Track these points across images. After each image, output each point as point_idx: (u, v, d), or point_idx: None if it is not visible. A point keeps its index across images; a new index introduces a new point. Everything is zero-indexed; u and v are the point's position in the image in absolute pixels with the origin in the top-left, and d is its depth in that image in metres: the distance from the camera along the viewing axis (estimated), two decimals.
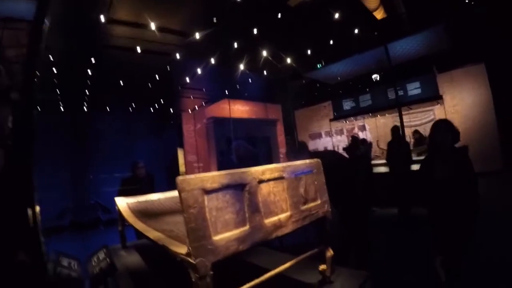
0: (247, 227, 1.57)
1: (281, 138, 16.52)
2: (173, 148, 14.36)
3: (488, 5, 8.91)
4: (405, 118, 11.46)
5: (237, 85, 12.01)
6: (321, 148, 15.44)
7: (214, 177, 1.48)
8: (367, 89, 12.79)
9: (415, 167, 8.56)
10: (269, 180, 1.80)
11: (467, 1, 8.60)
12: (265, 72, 10.90)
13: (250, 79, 11.52)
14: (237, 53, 8.69)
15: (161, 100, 12.48)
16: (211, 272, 1.36)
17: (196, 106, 13.94)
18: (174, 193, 3.85)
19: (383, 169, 8.92)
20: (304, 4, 7.28)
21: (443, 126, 3.27)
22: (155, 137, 13.92)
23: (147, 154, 11.67)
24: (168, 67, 8.97)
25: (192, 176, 1.39)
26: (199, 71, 9.45)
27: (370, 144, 10.00)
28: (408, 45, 9.89)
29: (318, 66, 11.49)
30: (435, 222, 3.27)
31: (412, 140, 10.45)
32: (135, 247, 3.57)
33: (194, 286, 1.35)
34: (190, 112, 14.16)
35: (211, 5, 6.77)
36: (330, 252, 2.24)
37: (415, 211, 7.44)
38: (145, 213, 3.16)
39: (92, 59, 7.83)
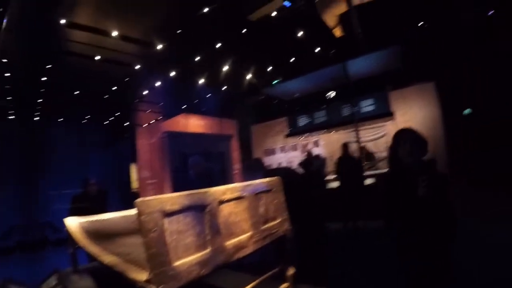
0: (208, 250, 1.51)
1: (235, 153, 16.52)
2: (127, 163, 13.78)
3: (439, 27, 9.51)
4: (361, 133, 11.92)
5: (194, 100, 11.91)
6: (275, 164, 15.54)
7: (174, 198, 1.42)
8: (322, 106, 13.12)
9: (368, 181, 8.89)
10: (229, 200, 1.76)
11: (419, 24, 9.12)
12: (223, 87, 10.90)
13: (206, 94, 11.48)
14: (196, 67, 8.65)
15: (117, 112, 12.03)
16: None
17: (152, 121, 13.58)
18: (129, 212, 3.67)
19: (336, 184, 9.12)
20: (265, 20, 7.40)
21: (407, 136, 2.79)
22: (110, 151, 13.32)
23: (100, 168, 11.19)
24: (126, 78, 8.71)
25: (151, 197, 1.32)
26: (157, 84, 9.28)
27: (325, 159, 10.23)
28: (363, 64, 10.29)
29: (274, 82, 11.67)
30: (402, 252, 2.72)
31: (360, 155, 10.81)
32: (88, 271, 3.35)
33: None
34: (145, 126, 13.76)
35: (173, 17, 6.73)
36: (291, 271, 2.22)
37: (363, 224, 7.70)
38: (99, 235, 2.93)
39: (48, 64, 7.44)
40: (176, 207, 1.40)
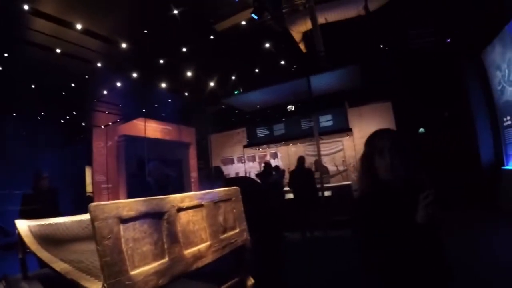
0: (166, 260, 1.44)
1: (193, 161, 16.31)
2: (81, 166, 13.07)
3: (397, 50, 9.94)
4: (315, 148, 12.15)
5: (153, 104, 11.62)
6: (233, 174, 15.47)
7: (130, 204, 1.34)
8: (282, 119, 13.26)
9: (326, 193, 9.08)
10: (188, 208, 1.69)
11: (381, 46, 9.48)
12: (183, 94, 10.74)
13: (167, 99, 11.25)
14: (158, 71, 8.47)
15: (74, 110, 11.43)
16: None
17: (109, 122, 13.03)
18: (82, 217, 3.48)
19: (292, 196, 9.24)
20: (231, 30, 7.40)
21: (388, 141, 1.81)
22: (63, 152, 12.51)
23: (52, 169, 10.54)
24: (86, 75, 8.33)
25: (107, 202, 1.24)
26: (117, 84, 8.98)
27: (283, 171, 10.31)
28: (323, 80, 10.50)
29: (236, 92, 11.66)
30: None
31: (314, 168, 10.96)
32: (38, 278, 3.09)
33: None
34: (102, 127, 13.15)
35: (139, 16, 6.56)
36: (250, 281, 2.19)
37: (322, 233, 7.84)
38: (49, 239, 2.75)
39: (4, 52, 6.94)
40: (132, 213, 1.32)
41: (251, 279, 2.20)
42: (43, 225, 3.05)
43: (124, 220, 1.28)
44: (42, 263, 2.41)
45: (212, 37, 7.64)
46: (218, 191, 2.07)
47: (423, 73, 10.78)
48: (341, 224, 7.88)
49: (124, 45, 7.04)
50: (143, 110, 12.43)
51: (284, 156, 14.20)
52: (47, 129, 11.78)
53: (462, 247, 5.43)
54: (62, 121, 12.01)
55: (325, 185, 9.59)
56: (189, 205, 1.70)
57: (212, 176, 3.74)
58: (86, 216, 3.53)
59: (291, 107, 12.82)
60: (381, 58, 10.19)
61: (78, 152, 12.77)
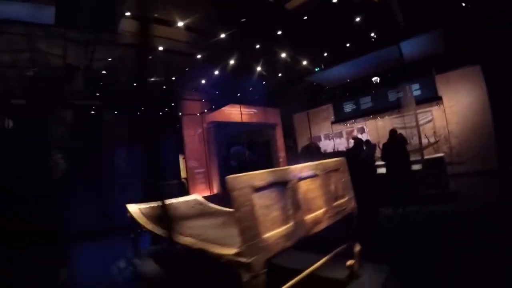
0: (291, 224, 1.54)
1: (280, 142, 16.45)
2: (176, 154, 13.89)
3: (483, 9, 8.92)
4: (407, 119, 11.52)
5: (239, 90, 11.88)
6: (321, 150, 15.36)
7: (261, 175, 1.44)
8: (368, 92, 12.80)
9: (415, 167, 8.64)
10: (306, 177, 1.77)
11: (463, 4, 8.56)
12: (269, 76, 10.81)
13: (251, 83, 11.42)
14: (240, 57, 8.62)
15: (168, 103, 12.13)
16: (265, 270, 1.31)
17: (199, 111, 13.67)
18: (186, 198, 3.77)
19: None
20: (303, 7, 7.27)
21: None
22: (160, 142, 13.33)
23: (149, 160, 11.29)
24: (175, 68, 8.76)
25: (241, 174, 1.35)
26: (206, 75, 9.31)
27: (374, 145, 9.96)
28: (406, 48, 9.91)
29: (316, 69, 11.48)
30: None
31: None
32: (148, 255, 3.38)
33: (247, 286, 1.29)
34: (192, 116, 13.83)
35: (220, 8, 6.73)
36: (358, 247, 2.21)
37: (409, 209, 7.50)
38: (162, 219, 3.04)
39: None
40: (263, 183, 1.43)
41: (358, 245, 2.22)
42: (153, 207, 3.38)
43: (256, 189, 1.38)
44: (159, 240, 2.67)
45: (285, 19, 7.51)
46: (328, 162, 2.11)
47: None
48: (434, 199, 7.49)
49: (211, 36, 7.24)
50: (231, 97, 12.73)
51: (371, 130, 13.57)
52: (146, 123, 12.56)
53: None
54: (160, 113, 12.73)
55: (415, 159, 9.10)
56: (306, 175, 1.78)
57: (310, 151, 3.78)
58: (190, 198, 3.82)
59: (377, 79, 12.28)
60: (465, 18, 9.17)
61: (171, 142, 13.60)
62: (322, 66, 11.25)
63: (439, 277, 3.58)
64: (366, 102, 12.82)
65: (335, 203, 2.03)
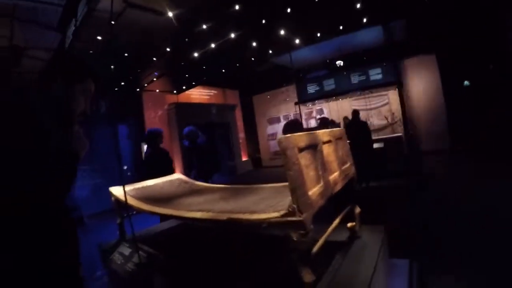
0: (321, 184, 1.61)
1: (240, 123, 16.52)
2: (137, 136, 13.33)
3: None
4: (363, 102, 12.05)
5: (200, 70, 11.62)
6: (280, 133, 15.55)
7: (302, 136, 1.50)
8: (331, 74, 13.20)
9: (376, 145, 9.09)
10: (327, 142, 1.87)
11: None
12: (228, 57, 10.67)
13: (211, 64, 11.22)
14: (202, 36, 8.41)
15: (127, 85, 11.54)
16: (312, 227, 1.38)
17: (158, 92, 13.22)
18: (167, 178, 3.66)
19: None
20: None
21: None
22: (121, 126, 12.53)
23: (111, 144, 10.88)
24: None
25: (288, 135, 1.41)
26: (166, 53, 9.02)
27: (338, 124, 10.31)
28: (370, 35, 10.34)
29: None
30: None
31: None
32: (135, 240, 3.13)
33: (296, 245, 1.35)
34: (152, 98, 13.28)
35: None
36: (358, 209, 2.34)
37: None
38: (153, 199, 2.88)
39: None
40: (304, 144, 1.49)
41: (358, 207, 2.36)
42: (138, 188, 3.27)
43: (300, 149, 1.45)
44: (164, 218, 2.56)
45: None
46: (335, 130, 2.21)
47: (467, 25, 10.26)
48: (395, 174, 7.99)
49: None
50: (193, 77, 12.47)
51: (330, 112, 13.92)
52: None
53: None
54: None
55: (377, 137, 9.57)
56: (327, 139, 1.87)
57: (292, 127, 3.86)
58: (172, 177, 3.73)
59: (340, 62, 12.65)
60: (425, 11, 9.69)
61: (132, 124, 12.97)
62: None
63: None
64: (329, 84, 13.14)
65: (343, 167, 2.14)
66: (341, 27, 9.55)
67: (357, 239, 2.29)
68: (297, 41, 10.01)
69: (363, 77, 12.11)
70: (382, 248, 2.12)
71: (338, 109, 13.38)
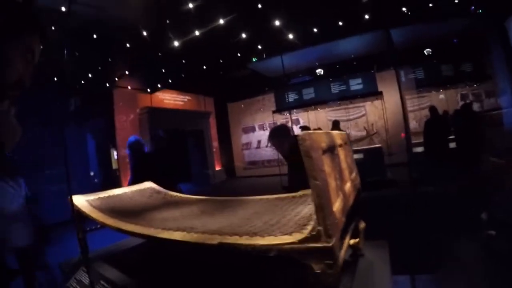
0: (342, 197, 1.27)
1: (213, 131, 16.12)
2: (106, 141, 12.57)
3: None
4: (342, 113, 12.00)
5: (173, 74, 11.23)
6: (255, 142, 15.37)
7: (322, 135, 1.16)
8: (311, 83, 13.06)
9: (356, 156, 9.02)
10: (340, 145, 1.53)
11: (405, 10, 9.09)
12: (202, 62, 10.36)
13: (184, 68, 10.87)
14: (177, 38, 8.11)
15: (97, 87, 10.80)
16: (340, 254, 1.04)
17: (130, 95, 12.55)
18: (138, 187, 3.21)
19: None
20: None
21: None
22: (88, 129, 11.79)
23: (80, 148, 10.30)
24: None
25: (310, 131, 1.05)
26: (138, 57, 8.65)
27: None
28: (352, 44, 10.32)
29: (254, 59, 11.36)
30: None
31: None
32: (101, 259, 2.57)
33: (322, 277, 1.00)
34: (124, 100, 12.20)
35: None
36: (362, 224, 2.03)
37: None
38: (119, 212, 2.38)
39: None
40: (324, 145, 1.13)
41: (363, 222, 2.05)
42: (103, 198, 2.76)
43: (323, 152, 1.10)
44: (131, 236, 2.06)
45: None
46: (342, 134, 1.88)
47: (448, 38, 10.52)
48: (374, 186, 7.84)
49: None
50: (164, 81, 12.05)
51: (306, 122, 13.79)
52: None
53: None
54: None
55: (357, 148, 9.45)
56: (340, 142, 1.53)
57: (280, 133, 3.59)
58: (144, 186, 3.25)
59: (320, 71, 12.58)
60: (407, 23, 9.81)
61: (101, 129, 12.07)
62: (264, 56, 11.15)
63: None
64: (309, 93, 12.96)
65: (351, 176, 1.81)
66: (323, 34, 9.46)
67: (361, 257, 1.97)
68: (277, 47, 9.84)
69: (343, 87, 12.04)
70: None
71: (312, 120, 13.25)
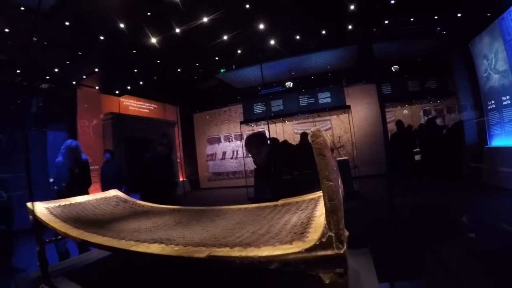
0: (342, 202, 1.20)
1: (178, 141, 15.80)
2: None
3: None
4: (309, 126, 12.16)
5: (137, 80, 10.90)
6: (220, 153, 15.24)
7: (327, 135, 1.07)
8: (279, 95, 13.11)
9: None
10: (332, 150, 1.45)
11: (374, 29, 9.37)
12: (170, 70, 10.15)
13: (152, 76, 10.60)
14: (145, 46, 7.90)
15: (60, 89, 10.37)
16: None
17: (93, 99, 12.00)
18: (102, 195, 2.97)
19: None
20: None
21: None
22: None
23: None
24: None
25: (319, 128, 0.96)
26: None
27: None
28: (321, 58, 10.53)
29: (222, 70, 11.30)
30: None
31: None
32: (63, 274, 2.31)
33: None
34: (86, 104, 11.67)
35: None
36: (346, 233, 1.97)
37: None
38: (83, 222, 2.17)
39: None
40: (331, 145, 1.06)
41: (346, 231, 1.99)
42: (65, 205, 2.55)
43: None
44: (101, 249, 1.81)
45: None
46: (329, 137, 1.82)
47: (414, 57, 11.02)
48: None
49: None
50: (127, 86, 11.67)
51: (272, 135, 13.76)
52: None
53: None
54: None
55: None
56: (333, 147, 1.46)
57: (257, 140, 3.54)
58: (109, 194, 3.01)
59: (290, 84, 12.71)
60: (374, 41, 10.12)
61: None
62: (225, 68, 11.12)
63: None
64: (277, 104, 12.99)
65: (340, 182, 1.75)
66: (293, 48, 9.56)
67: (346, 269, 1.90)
68: (247, 57, 9.82)
69: (312, 100, 12.20)
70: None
71: (278, 132, 13.32)
